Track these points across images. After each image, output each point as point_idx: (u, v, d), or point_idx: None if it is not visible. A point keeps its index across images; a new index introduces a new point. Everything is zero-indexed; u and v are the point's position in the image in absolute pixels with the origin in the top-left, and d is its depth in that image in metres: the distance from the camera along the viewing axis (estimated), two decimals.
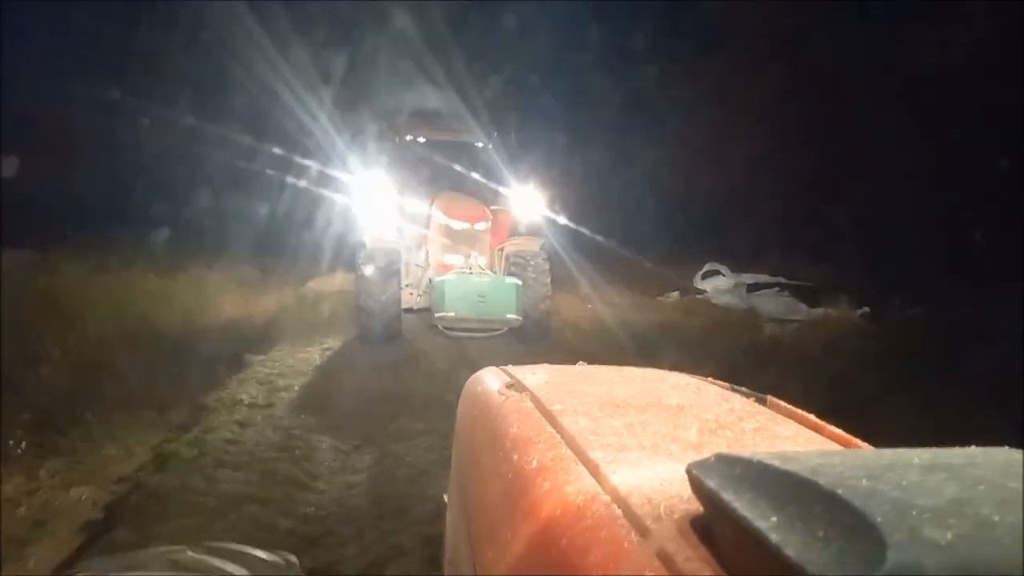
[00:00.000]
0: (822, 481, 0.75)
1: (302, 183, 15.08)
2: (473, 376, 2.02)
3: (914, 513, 0.68)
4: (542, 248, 10.29)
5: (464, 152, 11.36)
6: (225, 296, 13.94)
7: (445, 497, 2.13)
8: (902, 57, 17.55)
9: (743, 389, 1.85)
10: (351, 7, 18.59)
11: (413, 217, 10.69)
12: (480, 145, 11.03)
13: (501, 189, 10.87)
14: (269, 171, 16.69)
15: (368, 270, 9.29)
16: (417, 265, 10.25)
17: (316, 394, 7.31)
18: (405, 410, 6.76)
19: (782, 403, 1.69)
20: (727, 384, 1.91)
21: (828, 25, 18.40)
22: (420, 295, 9.95)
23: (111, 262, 15.04)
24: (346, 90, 16.64)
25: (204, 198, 17.80)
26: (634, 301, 15.89)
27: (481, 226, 9.65)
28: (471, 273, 9.11)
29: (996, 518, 0.68)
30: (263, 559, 2.23)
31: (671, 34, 20.18)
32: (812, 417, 1.57)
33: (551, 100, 20.34)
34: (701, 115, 20.41)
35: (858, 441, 1.41)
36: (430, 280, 9.84)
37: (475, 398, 1.87)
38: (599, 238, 14.54)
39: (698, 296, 16.26)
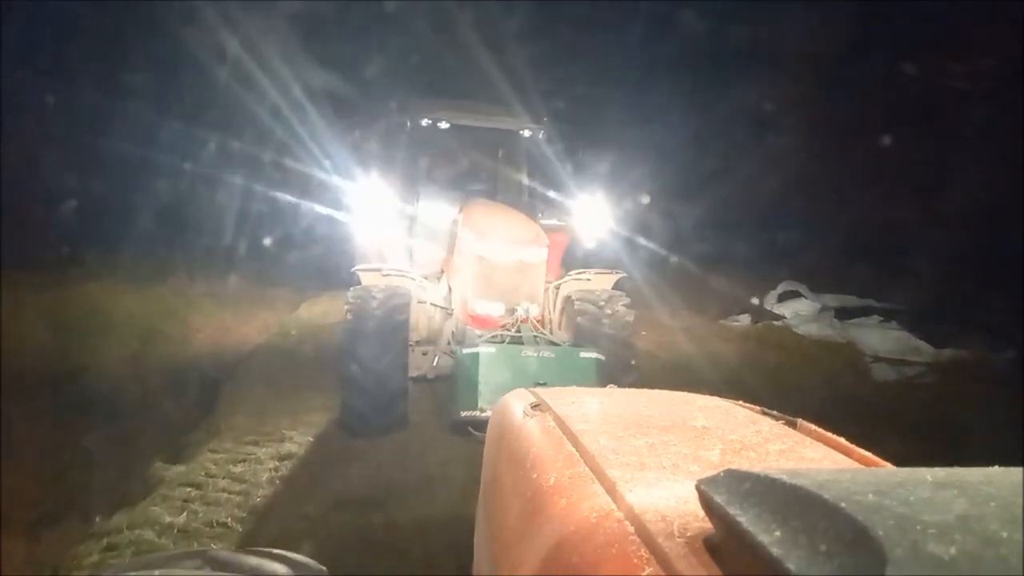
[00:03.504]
0: (827, 495, 0.70)
1: (308, 189, 11.27)
2: (503, 398, 1.84)
3: (918, 528, 0.63)
4: (619, 287, 6.29)
5: (504, 143, 7.35)
6: (200, 318, 10.13)
7: (476, 521, 1.83)
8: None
9: (773, 412, 1.67)
10: None
11: (431, 235, 6.73)
12: (527, 134, 6.99)
13: (556, 196, 6.89)
14: (270, 175, 12.73)
15: (360, 322, 5.36)
16: (434, 305, 6.27)
17: None
18: None
19: (812, 426, 1.53)
20: (758, 407, 1.73)
21: (910, 32, 14.19)
22: (439, 356, 5.97)
23: (72, 273, 11.33)
24: (357, 68, 12.53)
25: (202, 202, 13.82)
26: (696, 326, 11.86)
27: (534, 256, 5.65)
28: (520, 339, 5.13)
29: (1004, 535, 0.63)
30: (298, 561, 1.81)
31: (742, 38, 15.96)
32: (842, 440, 1.43)
33: (594, 91, 16.17)
34: (758, 119, 16.25)
35: (889, 465, 1.26)
36: (452, 335, 5.88)
37: (501, 418, 1.73)
38: (646, 242, 10.68)
39: (775, 323, 12.17)
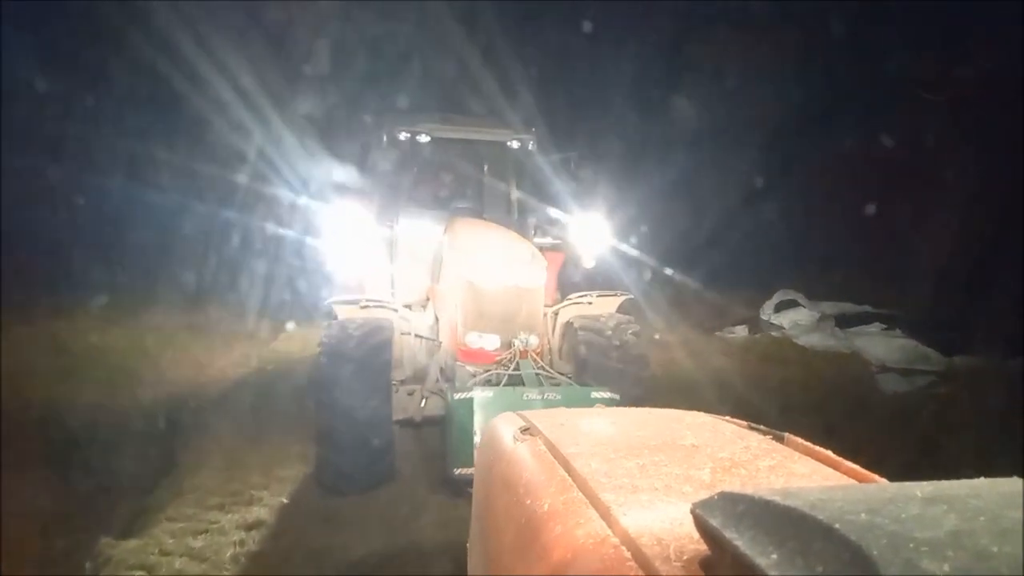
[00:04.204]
0: (821, 516, 0.69)
1: (286, 216, 10.42)
2: (490, 422, 1.80)
3: (911, 546, 0.63)
4: (623, 310, 5.56)
5: (490, 155, 6.64)
6: (173, 355, 9.28)
7: (468, 545, 1.79)
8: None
9: (761, 427, 1.62)
10: None
11: (414, 259, 5.99)
12: (515, 144, 6.28)
13: (550, 211, 6.19)
14: (247, 202, 11.85)
15: (336, 366, 4.59)
16: (419, 337, 5.52)
17: None
18: None
19: (800, 440, 1.49)
20: (745, 422, 1.68)
21: (909, 34, 13.69)
22: (426, 396, 5.20)
23: (38, 311, 10.44)
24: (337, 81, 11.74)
25: (176, 232, 12.87)
26: (692, 340, 11.18)
27: (531, 280, 4.89)
28: (520, 377, 4.39)
29: (995, 549, 0.62)
30: None
31: (738, 44, 15.36)
32: (830, 454, 1.40)
33: (574, 95, 15.46)
34: (751, 127, 15.64)
35: (875, 476, 1.26)
36: (440, 372, 5.12)
37: (492, 444, 1.68)
38: (637, 254, 10.00)
39: (774, 334, 11.51)
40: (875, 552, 0.62)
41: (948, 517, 0.68)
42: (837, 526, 0.67)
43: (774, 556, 0.68)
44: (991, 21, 12.21)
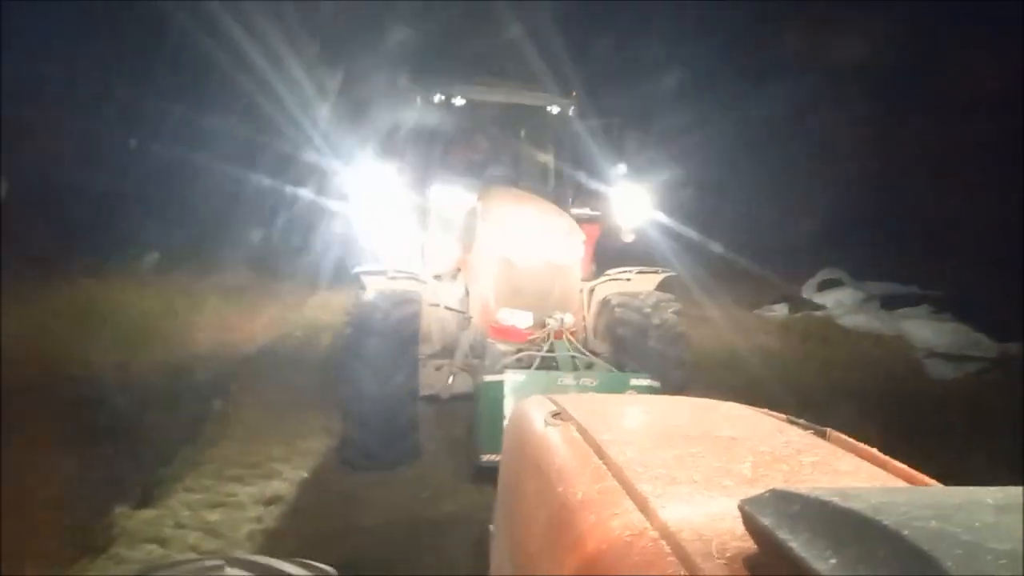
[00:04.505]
0: (886, 521, 0.64)
1: (319, 180, 10.15)
2: (519, 404, 1.73)
3: (988, 558, 0.57)
4: (664, 287, 5.23)
5: (528, 121, 6.30)
6: (202, 316, 9.19)
7: (491, 528, 1.80)
8: None
9: (801, 421, 1.53)
10: None
11: (446, 227, 5.72)
12: (555, 110, 5.92)
13: (588, 181, 5.84)
14: (282, 165, 11.58)
15: (361, 339, 4.37)
16: (449, 309, 5.26)
17: None
18: None
19: (843, 436, 1.41)
20: (784, 416, 1.59)
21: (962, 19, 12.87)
22: (454, 372, 4.96)
23: (71, 269, 10.40)
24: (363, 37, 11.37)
25: (210, 193, 12.69)
26: (730, 317, 10.75)
27: (568, 256, 4.60)
28: (554, 359, 4.12)
29: None
30: (313, 566, 1.76)
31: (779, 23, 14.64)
32: (875, 452, 1.31)
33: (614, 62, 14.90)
34: (798, 104, 14.95)
35: (925, 478, 1.17)
36: (470, 348, 4.87)
37: (521, 427, 1.61)
38: (675, 226, 9.63)
39: (816, 313, 11.04)
40: (949, 563, 0.56)
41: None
42: (905, 533, 0.62)
43: (833, 560, 0.64)
44: None
